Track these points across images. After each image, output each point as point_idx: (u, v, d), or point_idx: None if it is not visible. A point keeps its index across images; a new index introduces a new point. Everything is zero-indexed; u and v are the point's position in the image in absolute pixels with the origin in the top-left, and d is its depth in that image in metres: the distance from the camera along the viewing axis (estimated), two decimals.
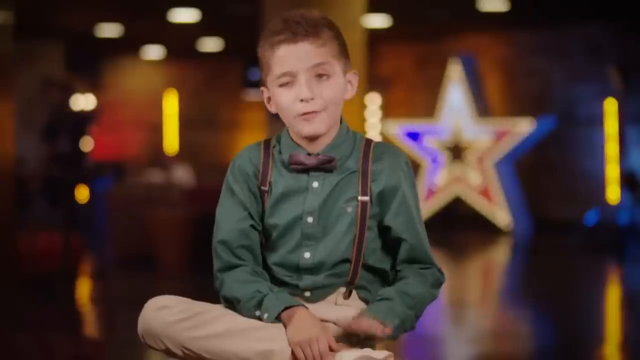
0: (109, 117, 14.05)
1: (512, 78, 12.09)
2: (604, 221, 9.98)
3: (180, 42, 13.39)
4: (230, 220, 2.12)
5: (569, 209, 11.31)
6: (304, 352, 1.95)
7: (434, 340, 5.44)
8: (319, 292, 2.10)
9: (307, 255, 2.09)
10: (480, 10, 10.43)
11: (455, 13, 10.97)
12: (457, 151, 11.53)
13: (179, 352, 2.03)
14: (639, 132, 10.80)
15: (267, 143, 2.17)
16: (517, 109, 11.73)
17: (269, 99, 2.14)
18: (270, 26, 2.10)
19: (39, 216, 9.74)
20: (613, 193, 10.76)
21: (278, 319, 2.00)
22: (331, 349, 1.97)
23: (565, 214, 11.32)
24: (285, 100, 2.09)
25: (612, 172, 10.83)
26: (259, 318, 2.02)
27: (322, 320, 2.03)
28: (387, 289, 2.09)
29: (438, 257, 2.18)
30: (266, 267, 2.14)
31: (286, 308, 2.01)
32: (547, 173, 11.68)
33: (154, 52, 14.51)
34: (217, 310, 2.06)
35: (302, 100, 2.06)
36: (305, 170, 2.11)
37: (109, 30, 11.98)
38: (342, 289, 2.11)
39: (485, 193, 11.34)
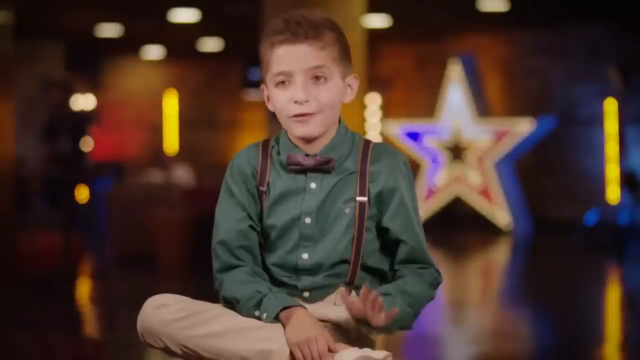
0: (109, 117, 14.06)
1: (512, 78, 12.08)
2: (604, 221, 9.98)
3: (180, 42, 13.38)
4: (229, 220, 2.12)
5: (569, 209, 11.31)
6: (302, 353, 1.95)
7: (434, 340, 5.44)
8: (318, 293, 2.10)
9: (305, 256, 2.09)
10: (480, 10, 10.43)
11: (455, 13, 10.96)
12: (457, 151, 11.53)
13: (178, 351, 2.03)
14: (639, 132, 10.80)
15: (265, 144, 2.17)
16: (517, 109, 11.73)
17: (269, 97, 2.14)
18: (271, 25, 2.09)
19: (39, 216, 9.74)
20: (613, 193, 10.76)
21: (277, 319, 2.00)
22: (330, 350, 1.96)
23: (565, 214, 11.32)
24: (280, 100, 2.09)
25: (612, 172, 10.83)
26: (258, 318, 2.02)
27: (321, 321, 2.03)
28: (386, 285, 2.09)
29: (438, 257, 2.19)
30: (265, 267, 2.14)
31: (284, 308, 2.00)
32: (547, 173, 11.68)
33: (154, 52, 14.51)
34: (216, 309, 2.06)
35: (296, 102, 2.06)
36: (303, 171, 2.10)
37: (109, 30, 11.97)
38: (341, 289, 2.11)
39: (485, 193, 11.33)
